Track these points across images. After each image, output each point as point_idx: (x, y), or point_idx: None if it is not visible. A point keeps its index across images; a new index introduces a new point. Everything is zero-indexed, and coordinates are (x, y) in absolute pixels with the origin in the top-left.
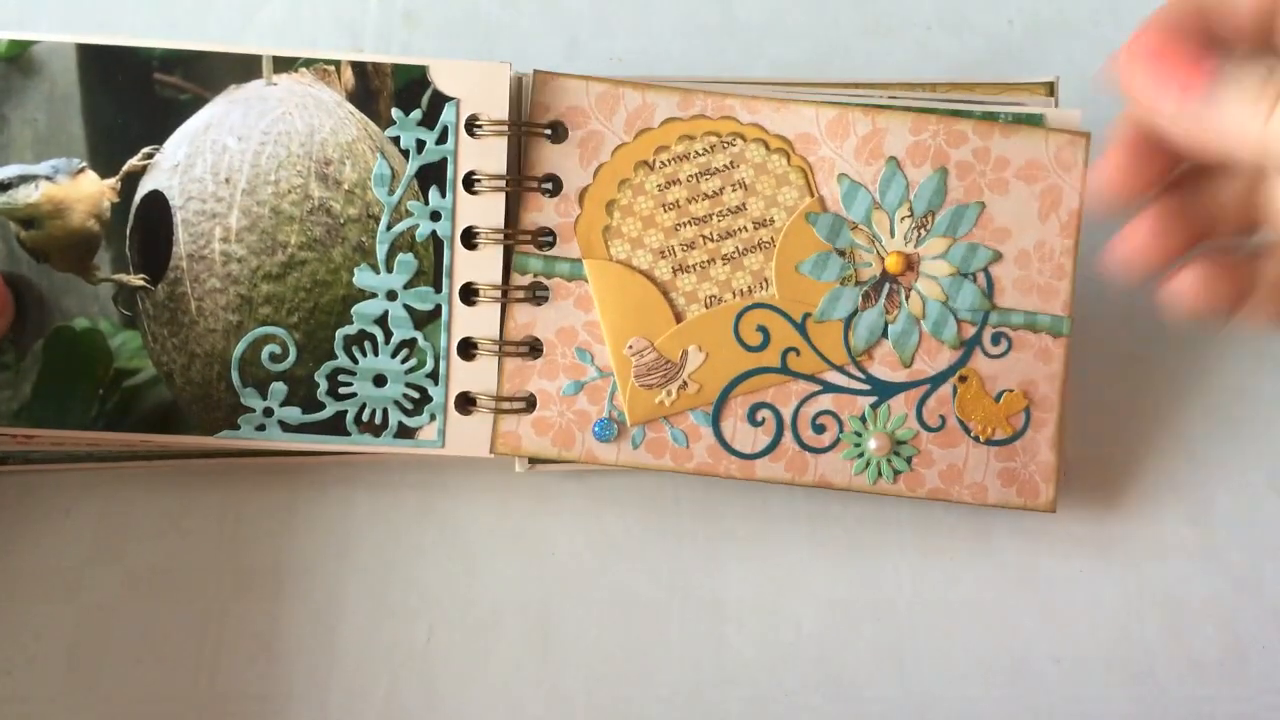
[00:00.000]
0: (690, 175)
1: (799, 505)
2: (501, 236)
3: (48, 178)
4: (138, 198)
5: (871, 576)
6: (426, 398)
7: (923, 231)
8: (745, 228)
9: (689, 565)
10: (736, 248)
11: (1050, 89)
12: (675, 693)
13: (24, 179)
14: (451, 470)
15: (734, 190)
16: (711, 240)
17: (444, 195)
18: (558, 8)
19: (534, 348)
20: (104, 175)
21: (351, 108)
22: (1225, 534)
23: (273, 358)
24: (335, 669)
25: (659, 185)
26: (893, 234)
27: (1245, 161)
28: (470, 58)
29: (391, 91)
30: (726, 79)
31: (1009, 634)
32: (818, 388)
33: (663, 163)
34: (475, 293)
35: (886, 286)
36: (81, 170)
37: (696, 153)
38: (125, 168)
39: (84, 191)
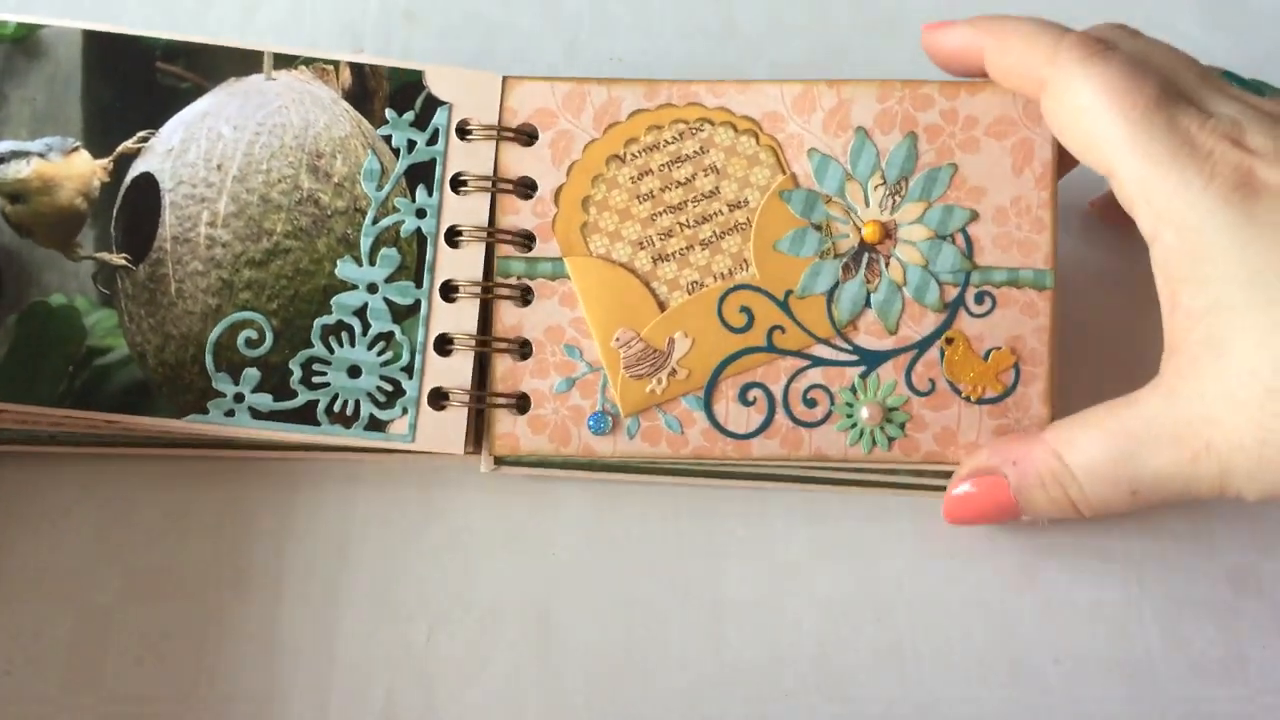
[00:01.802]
0: (661, 164)
1: (798, 505)
2: (485, 235)
3: (40, 155)
4: (128, 179)
5: (871, 576)
6: (400, 391)
7: (897, 198)
8: (720, 211)
9: (689, 565)
10: (714, 232)
11: None
12: (675, 693)
13: (16, 155)
14: (452, 470)
15: (706, 175)
16: (688, 226)
17: (431, 194)
18: (558, 8)
19: (523, 347)
20: (98, 156)
21: (347, 105)
22: (1225, 534)
23: (249, 343)
24: (335, 669)
25: (631, 177)
26: (867, 203)
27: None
28: (470, 57)
29: (387, 92)
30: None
31: (1009, 634)
32: (806, 363)
33: (634, 154)
34: (455, 289)
35: (865, 256)
36: (75, 149)
37: (666, 141)
38: (119, 149)
39: (75, 170)
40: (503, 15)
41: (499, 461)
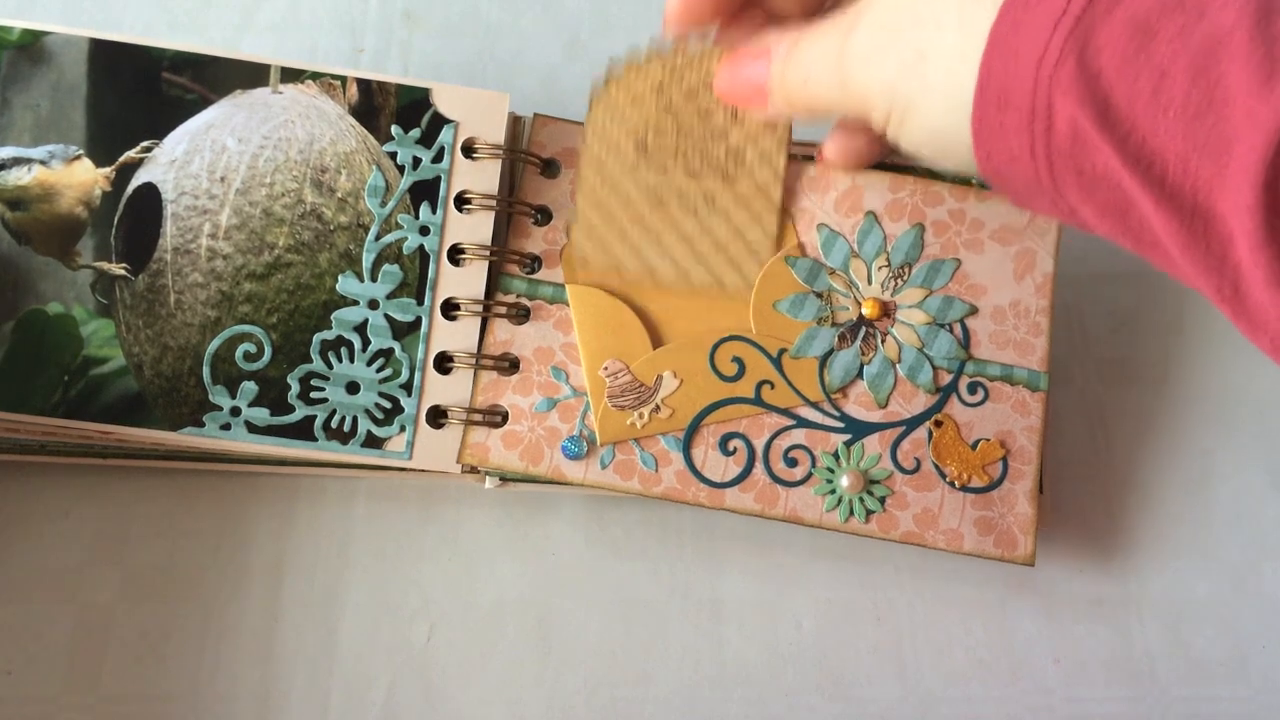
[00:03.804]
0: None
1: None
2: (487, 253)
3: (42, 162)
4: (130, 188)
5: (871, 576)
6: (398, 408)
7: (899, 281)
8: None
9: (689, 565)
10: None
11: None
12: (675, 693)
13: (17, 161)
14: (452, 474)
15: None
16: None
17: (434, 211)
18: (558, 8)
19: (511, 364)
20: (100, 165)
21: (353, 121)
22: (1225, 534)
23: (247, 356)
24: (335, 669)
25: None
26: (870, 281)
27: (837, 103)
28: (470, 57)
29: (394, 109)
30: None
31: (1009, 634)
32: (791, 422)
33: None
34: (456, 307)
35: (863, 330)
36: (77, 158)
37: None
38: (121, 158)
39: (76, 178)
40: (503, 15)
41: (504, 478)
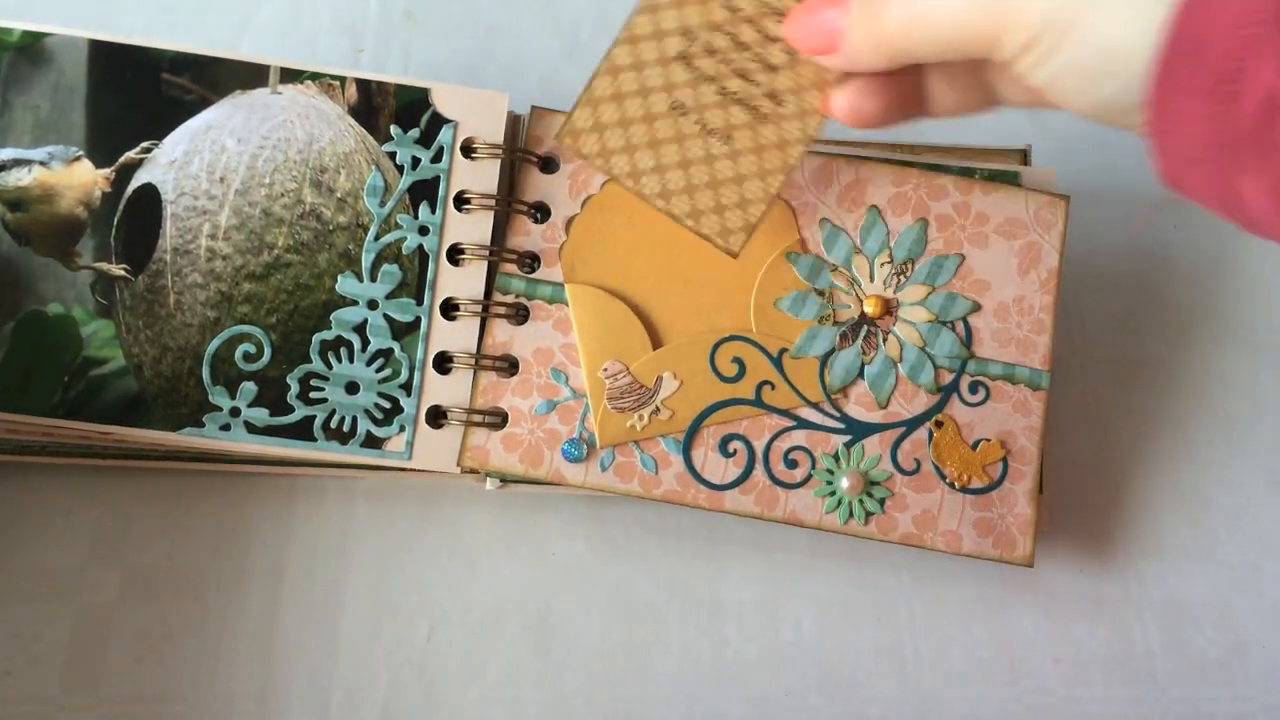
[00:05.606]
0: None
1: None
2: (487, 253)
3: (42, 163)
4: (130, 189)
5: (871, 576)
6: (398, 408)
7: (902, 278)
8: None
9: (689, 565)
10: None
11: (1024, 157)
12: (675, 693)
13: (18, 162)
14: (452, 474)
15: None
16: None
17: (434, 211)
18: (558, 8)
19: (510, 365)
20: (100, 165)
21: (352, 121)
22: (1225, 534)
23: (246, 357)
24: (335, 669)
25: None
26: (872, 278)
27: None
28: (470, 57)
29: (393, 109)
30: None
31: (1009, 634)
32: (791, 423)
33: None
34: (456, 308)
35: (864, 328)
36: (77, 158)
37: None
38: (121, 159)
39: (76, 179)
40: (503, 15)
41: (504, 480)
